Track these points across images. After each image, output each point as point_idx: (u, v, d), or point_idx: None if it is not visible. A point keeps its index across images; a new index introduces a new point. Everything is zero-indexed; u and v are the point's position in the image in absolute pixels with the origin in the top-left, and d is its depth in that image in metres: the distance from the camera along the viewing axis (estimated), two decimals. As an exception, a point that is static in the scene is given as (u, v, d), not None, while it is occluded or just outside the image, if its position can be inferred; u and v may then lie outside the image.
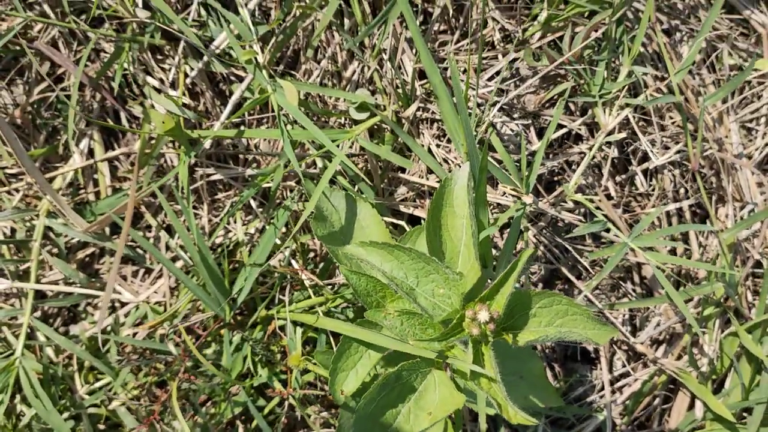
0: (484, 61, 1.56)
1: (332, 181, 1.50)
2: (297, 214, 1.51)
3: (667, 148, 1.59)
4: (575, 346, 1.68)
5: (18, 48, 1.54)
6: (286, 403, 1.52)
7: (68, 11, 1.46)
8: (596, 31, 1.50)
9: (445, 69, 1.53)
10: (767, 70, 1.59)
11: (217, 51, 1.51)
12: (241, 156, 1.59)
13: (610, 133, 1.52)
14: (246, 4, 1.47)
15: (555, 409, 1.58)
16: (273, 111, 1.48)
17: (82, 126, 1.57)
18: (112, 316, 1.58)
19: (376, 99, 1.52)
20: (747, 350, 1.53)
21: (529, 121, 1.56)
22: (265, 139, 1.58)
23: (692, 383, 1.54)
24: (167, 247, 1.57)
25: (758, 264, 1.60)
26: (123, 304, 1.60)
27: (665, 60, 1.51)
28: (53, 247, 1.58)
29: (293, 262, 1.52)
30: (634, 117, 1.55)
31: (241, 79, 1.54)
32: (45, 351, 1.56)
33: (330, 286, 1.51)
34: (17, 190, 1.57)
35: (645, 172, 1.64)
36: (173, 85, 1.55)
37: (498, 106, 1.51)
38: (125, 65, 1.51)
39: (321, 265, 1.56)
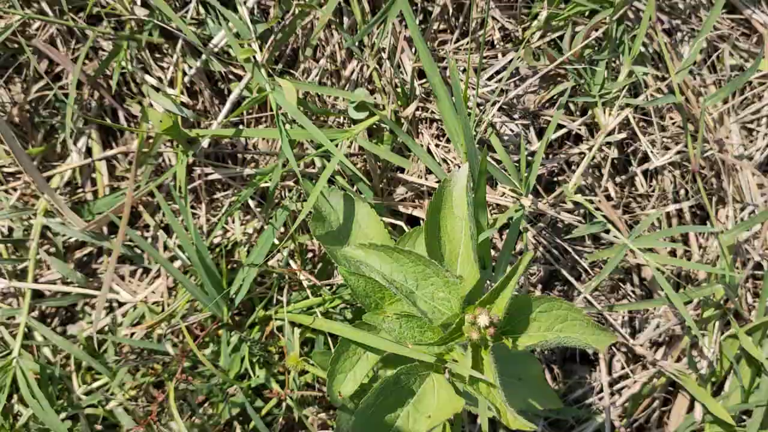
0: (484, 61, 1.56)
1: (331, 181, 1.49)
2: (295, 214, 1.50)
3: (667, 148, 1.59)
4: (574, 348, 1.68)
5: (16, 46, 1.53)
6: (284, 404, 1.52)
7: (66, 9, 1.45)
8: (596, 30, 1.50)
9: (445, 68, 1.52)
10: (768, 71, 1.59)
11: (216, 49, 1.50)
12: (239, 155, 1.58)
13: (610, 134, 1.52)
14: (245, 2, 1.46)
15: (554, 411, 1.58)
16: (272, 110, 1.48)
17: (80, 125, 1.56)
18: (110, 316, 1.58)
19: (375, 98, 1.51)
20: (747, 353, 1.52)
21: (529, 121, 1.56)
22: (263, 139, 1.57)
23: (692, 385, 1.54)
24: (165, 247, 1.57)
25: (759, 266, 1.59)
26: (121, 304, 1.59)
27: (666, 60, 1.50)
28: (51, 246, 1.57)
29: (291, 262, 1.51)
30: (634, 117, 1.54)
31: (239, 78, 1.53)
32: (42, 351, 1.56)
33: (328, 287, 1.50)
34: (15, 189, 1.56)
35: (645, 173, 1.63)
36: (171, 83, 1.54)
37: (497, 105, 1.50)
38: (123, 63, 1.50)
39: (319, 265, 1.55)
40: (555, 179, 1.61)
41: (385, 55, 1.50)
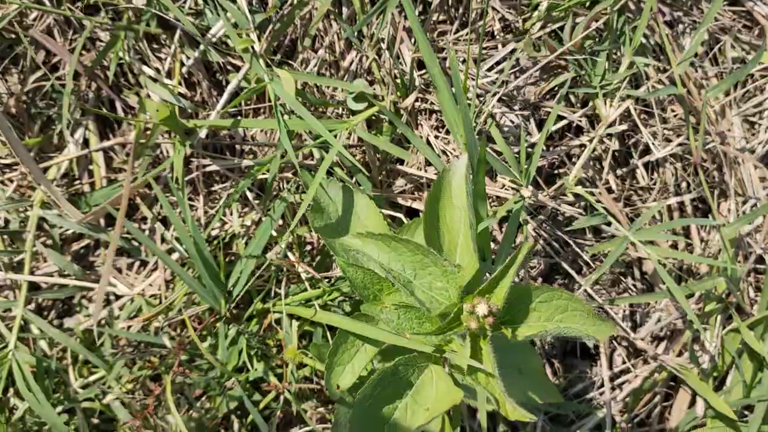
0: (484, 52, 1.54)
1: (330, 173, 1.48)
2: (294, 206, 1.49)
3: (668, 140, 1.57)
4: (575, 342, 1.67)
5: (13, 36, 1.52)
6: (282, 397, 1.51)
7: (63, -1, 1.44)
8: (597, 21, 1.48)
9: (444, 59, 1.51)
10: (771, 63, 1.58)
11: (214, 40, 1.49)
12: (237, 147, 1.57)
13: (611, 125, 1.51)
14: (243, -8, 1.46)
15: (554, 405, 1.57)
16: (270, 101, 1.47)
17: (77, 116, 1.55)
18: (107, 309, 1.57)
19: (374, 89, 1.50)
20: (749, 347, 1.51)
21: (529, 113, 1.55)
22: (261, 130, 1.56)
23: (693, 380, 1.53)
24: (162, 239, 1.56)
25: (761, 260, 1.58)
26: (118, 297, 1.58)
27: (667, 51, 1.49)
28: (47, 238, 1.56)
29: (290, 254, 1.50)
30: (635, 109, 1.53)
31: (237, 69, 1.52)
32: (39, 344, 1.55)
33: (327, 280, 1.49)
34: (11, 180, 1.55)
35: (646, 165, 1.62)
36: (169, 74, 1.53)
37: (497, 96, 1.49)
38: (121, 54, 1.49)
39: (318, 258, 1.54)
40: (556, 172, 1.60)
41: (384, 46, 1.49)
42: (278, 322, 1.50)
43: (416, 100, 1.51)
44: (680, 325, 1.60)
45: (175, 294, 1.51)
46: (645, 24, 1.45)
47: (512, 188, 1.48)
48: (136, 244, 1.58)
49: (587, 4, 1.52)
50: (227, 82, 1.53)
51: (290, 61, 1.54)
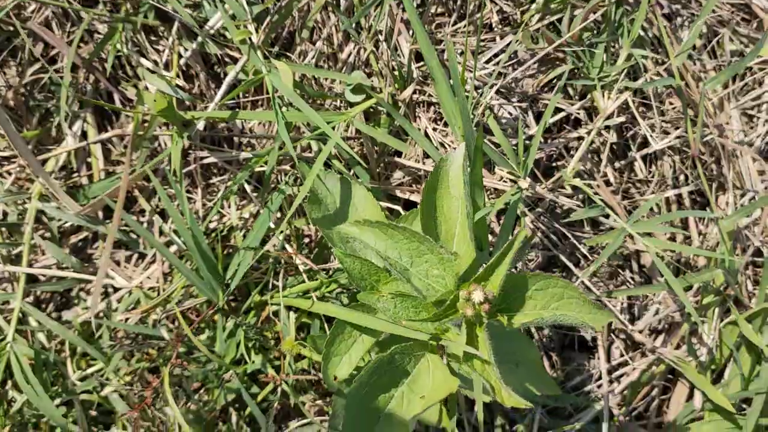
0: (482, 44, 1.55)
1: (327, 165, 1.48)
2: (291, 198, 1.49)
3: (666, 133, 1.57)
4: (573, 334, 1.66)
5: (11, 29, 1.53)
6: (279, 389, 1.51)
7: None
8: (595, 12, 1.48)
9: (443, 51, 1.51)
10: (769, 57, 1.58)
11: (212, 31, 1.49)
12: (235, 139, 1.57)
13: (609, 117, 1.51)
14: (241, -16, 1.46)
15: (552, 398, 1.57)
16: (268, 93, 1.47)
17: (75, 108, 1.55)
18: (105, 302, 1.57)
19: (372, 81, 1.50)
20: (747, 340, 1.51)
21: (527, 105, 1.55)
22: (259, 122, 1.56)
23: (691, 373, 1.52)
24: (161, 232, 1.56)
25: (759, 253, 1.58)
26: (116, 290, 1.58)
27: (665, 44, 1.49)
28: (46, 231, 1.56)
29: (287, 246, 1.50)
30: (633, 101, 1.53)
31: (235, 61, 1.52)
32: (37, 336, 1.55)
33: (324, 272, 1.49)
34: (9, 173, 1.55)
35: (644, 158, 1.62)
36: (167, 66, 1.53)
37: (495, 88, 1.49)
38: (119, 46, 1.50)
39: (315, 250, 1.54)
40: (554, 164, 1.60)
41: (382, 38, 1.49)
42: (276, 314, 1.50)
43: (414, 92, 1.51)
44: (678, 317, 1.60)
45: (173, 286, 1.51)
46: (643, 16, 1.45)
47: (510, 180, 1.48)
48: (134, 236, 1.58)
49: (585, -5, 1.52)
50: (225, 75, 1.53)
51: (288, 53, 1.54)
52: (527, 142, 1.48)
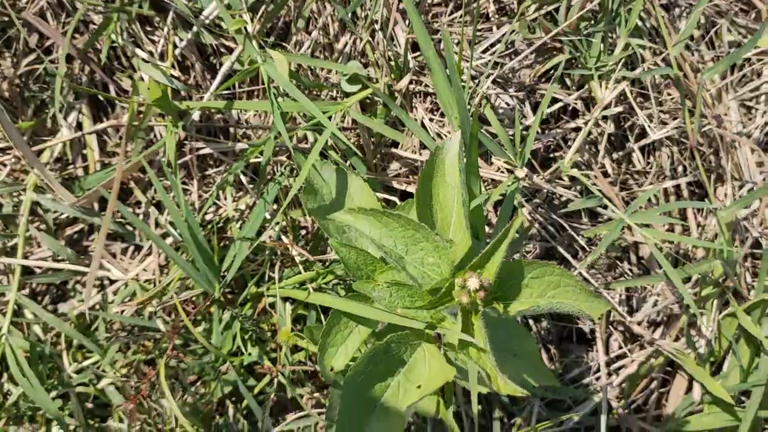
0: (479, 34, 1.54)
1: (324, 156, 1.47)
2: (288, 189, 1.49)
3: (664, 124, 1.56)
4: (571, 327, 1.66)
5: (6, 19, 1.52)
6: (276, 381, 1.50)
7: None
8: (592, 2, 1.48)
9: (439, 41, 1.50)
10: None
11: (207, 21, 1.48)
12: (231, 130, 1.56)
13: (606, 107, 1.50)
14: (236, -26, 1.45)
15: (550, 390, 1.56)
16: (263, 83, 1.46)
17: (70, 99, 1.54)
18: (101, 294, 1.56)
19: (368, 71, 1.49)
20: (746, 331, 1.50)
21: (524, 95, 1.54)
22: (255, 113, 1.56)
23: (690, 365, 1.52)
24: (157, 224, 1.55)
25: (757, 244, 1.57)
26: (112, 282, 1.57)
27: (663, 34, 1.48)
28: (41, 223, 1.56)
29: (284, 237, 1.50)
30: (631, 92, 1.52)
31: (231, 51, 1.52)
32: (32, 328, 1.54)
33: (321, 263, 1.48)
34: (4, 164, 1.54)
35: (642, 149, 1.61)
36: (162, 57, 1.52)
37: (492, 78, 1.48)
38: (113, 37, 1.49)
39: (312, 242, 1.54)
40: (551, 155, 1.59)
41: (378, 28, 1.48)
42: (272, 305, 1.49)
43: (410, 82, 1.50)
44: (677, 309, 1.59)
45: (169, 278, 1.51)
46: (640, 5, 1.45)
47: (507, 170, 1.48)
48: (130, 228, 1.57)
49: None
50: (221, 65, 1.52)
51: (284, 43, 1.54)
52: (524, 132, 1.47)
